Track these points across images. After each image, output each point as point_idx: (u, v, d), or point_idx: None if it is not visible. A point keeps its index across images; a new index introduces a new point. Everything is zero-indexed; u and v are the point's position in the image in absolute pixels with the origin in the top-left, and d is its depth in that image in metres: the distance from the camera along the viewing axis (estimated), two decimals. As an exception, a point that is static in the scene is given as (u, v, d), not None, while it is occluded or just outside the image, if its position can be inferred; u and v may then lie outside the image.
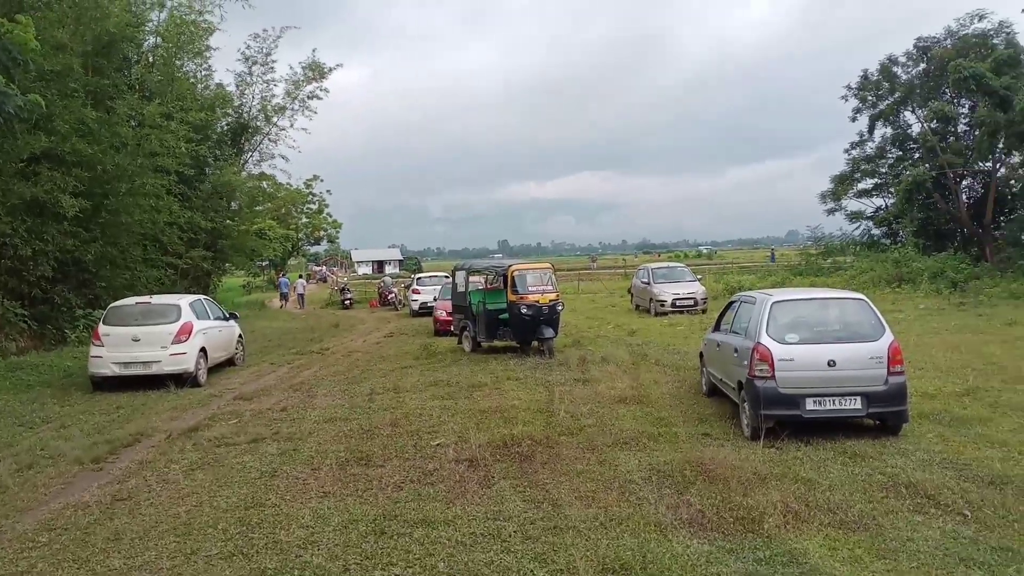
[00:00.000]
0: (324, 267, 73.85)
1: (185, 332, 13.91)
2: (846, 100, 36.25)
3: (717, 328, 10.57)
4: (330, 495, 7.17)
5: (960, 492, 6.45)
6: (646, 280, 25.56)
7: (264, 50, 38.10)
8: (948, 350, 13.93)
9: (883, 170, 37.67)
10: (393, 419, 10.29)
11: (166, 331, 13.78)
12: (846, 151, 38.20)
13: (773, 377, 8.20)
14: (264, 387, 13.72)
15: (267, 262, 58.93)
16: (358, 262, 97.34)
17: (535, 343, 15.85)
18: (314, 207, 66.76)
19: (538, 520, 6.22)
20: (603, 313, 26.47)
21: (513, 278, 15.62)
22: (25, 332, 20.63)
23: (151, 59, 31.74)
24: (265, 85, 39.08)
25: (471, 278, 17.16)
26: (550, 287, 15.97)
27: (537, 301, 15.48)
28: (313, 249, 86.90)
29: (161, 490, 7.61)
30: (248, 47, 38.20)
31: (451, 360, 15.82)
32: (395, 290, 35.97)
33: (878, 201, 38.47)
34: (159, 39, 32.17)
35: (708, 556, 5.36)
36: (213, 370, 15.51)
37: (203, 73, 37.52)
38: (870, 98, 36.03)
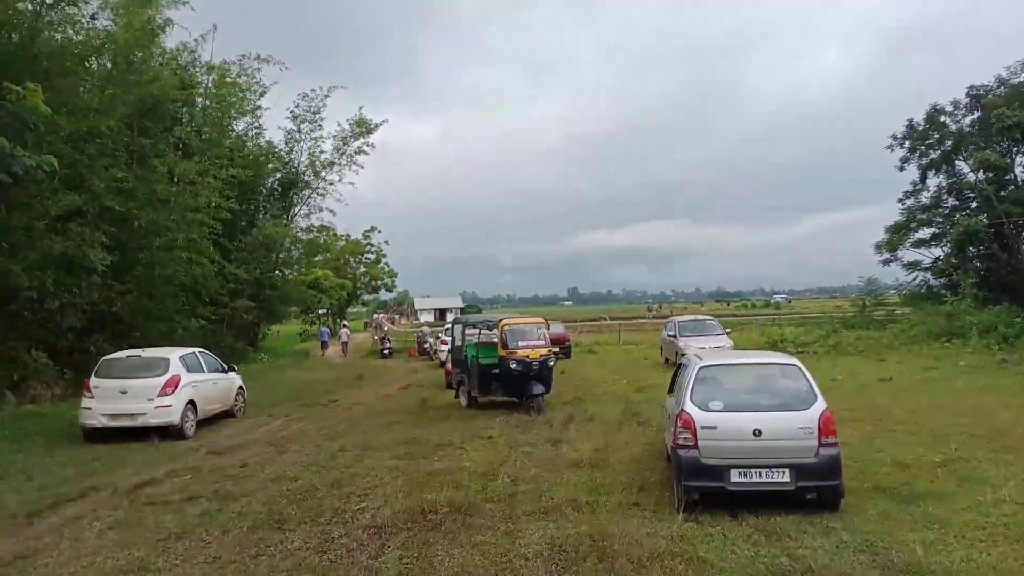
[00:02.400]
0: (383, 315, 74.87)
1: (171, 385, 14.11)
2: (892, 150, 35.10)
3: (670, 391, 10.10)
4: (217, 561, 7.05)
5: (858, 581, 5.88)
6: (672, 333, 24.91)
7: (312, 108, 39.36)
8: (956, 415, 13.01)
9: (939, 220, 36.16)
10: (338, 479, 10.15)
11: (152, 384, 14.01)
12: (900, 200, 36.89)
13: (696, 446, 7.74)
14: (245, 441, 13.76)
15: (325, 310, 60.02)
16: (421, 310, 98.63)
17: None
18: (372, 257, 68.14)
19: (393, 598, 5.94)
20: (630, 367, 25.83)
21: (503, 332, 15.40)
22: (60, 381, 21.27)
23: (202, 118, 33.03)
24: (313, 141, 40.25)
25: (468, 332, 17.00)
26: (542, 342, 15.67)
27: (527, 356, 15.21)
28: (383, 297, 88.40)
29: (65, 549, 7.60)
30: (297, 106, 39.54)
31: (441, 417, 15.63)
32: (431, 340, 36.07)
33: (936, 251, 36.88)
34: (207, 100, 33.50)
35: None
36: (209, 421, 15.71)
37: (254, 131, 38.99)
38: (920, 147, 34.79)
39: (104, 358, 15.05)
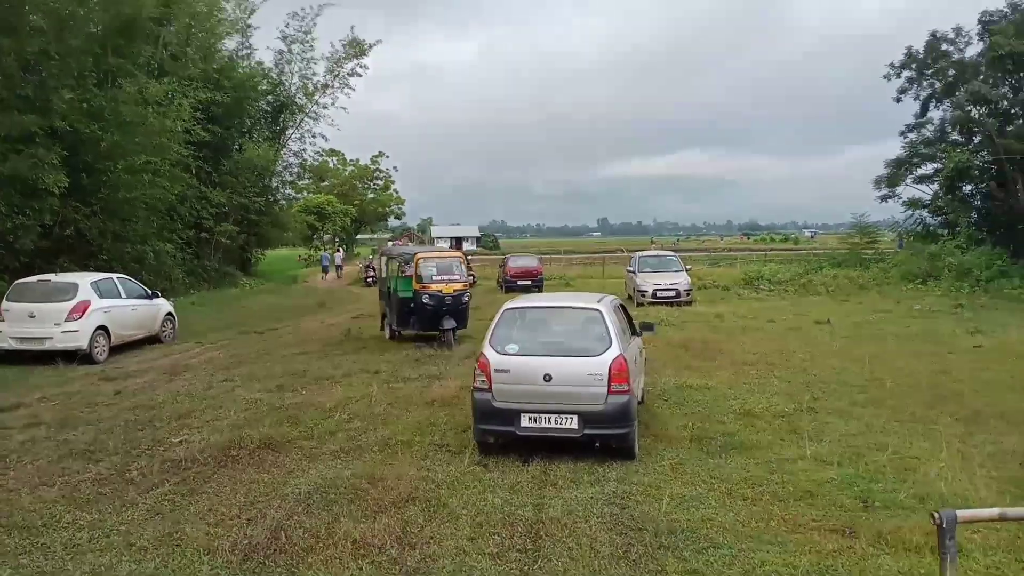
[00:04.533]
0: (396, 243, 74.98)
1: (79, 310, 14.22)
2: (889, 79, 33.53)
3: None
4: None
5: (568, 534, 5.76)
6: (632, 268, 24.54)
7: (303, 28, 38.62)
8: (852, 361, 12.66)
9: (943, 155, 34.73)
10: (191, 410, 10.24)
11: (59, 309, 14.13)
12: (902, 133, 35.48)
13: (489, 389, 7.59)
14: (146, 368, 13.87)
15: (330, 236, 60.22)
16: (437, 238, 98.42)
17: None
18: (380, 183, 67.88)
19: (112, 535, 5.96)
20: (591, 301, 25.58)
21: (418, 266, 15.25)
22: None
23: (184, 38, 32.41)
24: (304, 63, 39.61)
25: (390, 264, 16.86)
26: (457, 277, 15.49)
27: (440, 291, 15.08)
28: (392, 224, 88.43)
29: None
30: (287, 25, 38.77)
31: (353, 348, 15.62)
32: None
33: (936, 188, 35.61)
34: (191, 20, 32.81)
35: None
36: (131, 346, 15.89)
37: (244, 52, 38.37)
38: (926, 77, 33.20)
39: (17, 282, 15.18)
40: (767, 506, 6.36)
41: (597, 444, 7.51)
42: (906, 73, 33.05)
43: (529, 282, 29.37)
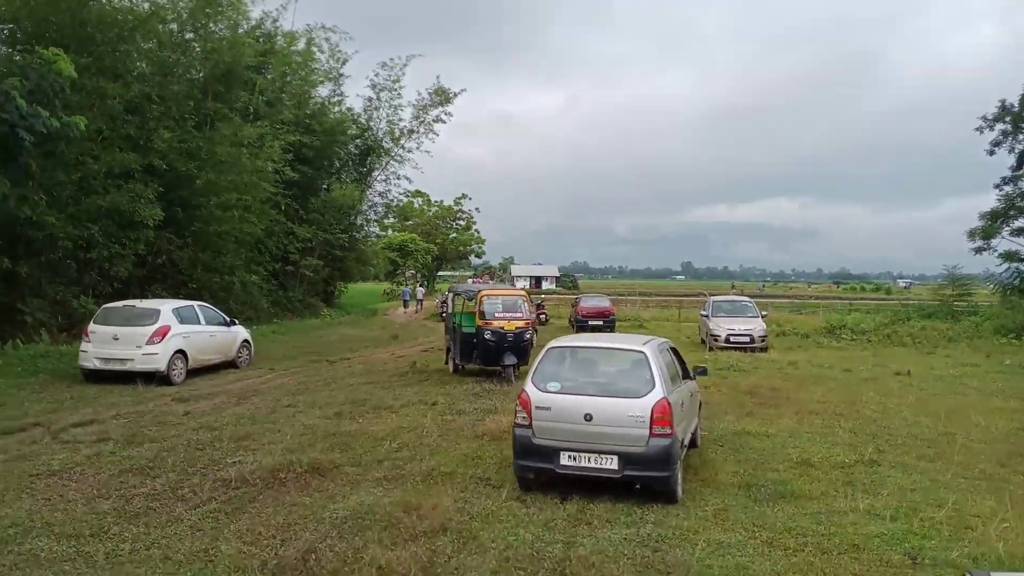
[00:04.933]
0: (477, 280, 76.06)
1: (160, 334, 14.88)
2: (982, 132, 32.29)
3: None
4: (58, 499, 7.49)
5: (594, 573, 5.66)
6: (706, 313, 24.11)
7: (392, 77, 39.97)
8: (925, 415, 12.04)
9: (1043, 207, 33.20)
10: (250, 433, 10.53)
11: (142, 332, 14.82)
12: (997, 186, 34.08)
13: (530, 426, 7.57)
14: (218, 391, 14.35)
15: (412, 272, 61.45)
16: (517, 277, 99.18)
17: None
18: (462, 224, 69.06)
19: (152, 548, 6.18)
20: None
21: (481, 303, 15.40)
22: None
23: (280, 85, 33.97)
24: (392, 109, 40.91)
25: (455, 300, 17.10)
26: (520, 315, 15.56)
27: (502, 327, 15.17)
28: (474, 262, 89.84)
29: (-57, 477, 8.25)
30: (376, 75, 40.20)
31: (416, 380, 15.81)
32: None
33: (1036, 241, 33.91)
34: (287, 67, 34.36)
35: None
36: (208, 370, 16.50)
37: (336, 98, 39.89)
38: (1022, 131, 31.88)
39: (104, 306, 16.01)
40: (808, 557, 6.10)
41: (638, 486, 7.36)
42: (1000, 126, 31.83)
43: (600, 322, 29.21)
